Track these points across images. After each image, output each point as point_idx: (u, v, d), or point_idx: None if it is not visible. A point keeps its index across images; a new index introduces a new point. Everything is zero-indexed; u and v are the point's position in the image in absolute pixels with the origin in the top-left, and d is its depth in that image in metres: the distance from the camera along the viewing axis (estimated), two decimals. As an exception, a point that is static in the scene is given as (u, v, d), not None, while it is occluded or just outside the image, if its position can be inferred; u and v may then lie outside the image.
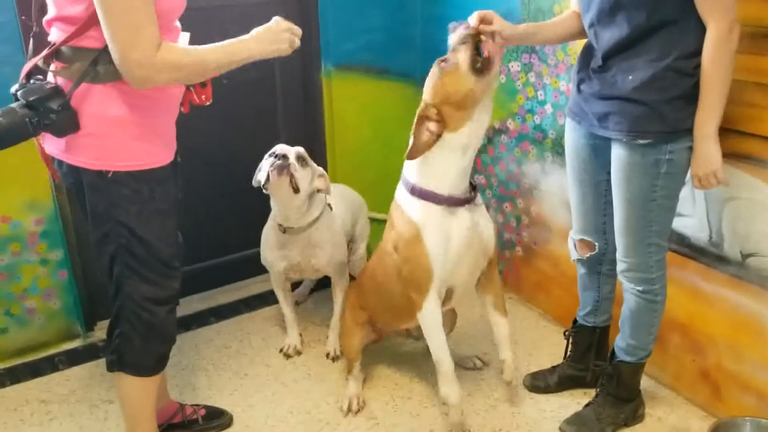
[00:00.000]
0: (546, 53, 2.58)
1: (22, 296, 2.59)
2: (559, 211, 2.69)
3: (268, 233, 2.58)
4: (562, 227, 2.32)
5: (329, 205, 2.59)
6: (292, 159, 2.34)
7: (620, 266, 2.06)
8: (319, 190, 2.48)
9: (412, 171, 2.07)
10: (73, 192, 1.82)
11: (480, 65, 1.91)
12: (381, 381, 2.55)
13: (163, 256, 1.81)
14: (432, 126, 1.96)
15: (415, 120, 1.98)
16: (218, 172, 2.91)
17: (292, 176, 2.31)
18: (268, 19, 1.73)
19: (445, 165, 2.01)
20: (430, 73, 2.01)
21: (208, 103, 1.90)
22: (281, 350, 2.70)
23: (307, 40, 3.00)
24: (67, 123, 1.63)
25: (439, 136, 1.97)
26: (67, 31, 1.59)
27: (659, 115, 1.80)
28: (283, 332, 2.79)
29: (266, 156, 2.39)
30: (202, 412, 2.29)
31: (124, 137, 1.67)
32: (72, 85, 1.61)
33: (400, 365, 2.62)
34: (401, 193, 2.12)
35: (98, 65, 1.58)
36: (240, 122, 2.96)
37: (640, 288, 2.04)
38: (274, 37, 1.71)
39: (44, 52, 1.64)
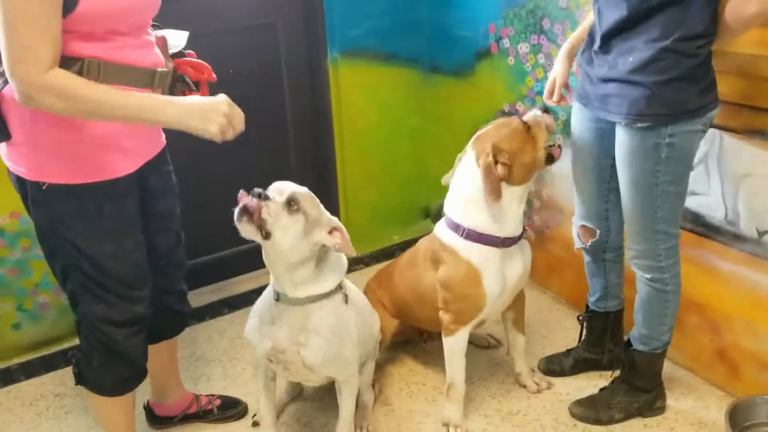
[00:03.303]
0: (555, 33, 2.55)
1: (34, 291, 2.58)
2: (570, 194, 2.64)
3: (263, 297, 1.98)
4: (574, 210, 2.31)
5: (346, 295, 1.93)
6: (275, 198, 1.72)
7: (629, 253, 2.04)
8: (324, 246, 1.79)
9: (463, 215, 2.07)
10: (23, 202, 1.67)
11: (547, 153, 2.08)
12: (395, 367, 2.54)
13: (120, 277, 1.67)
14: (501, 170, 1.99)
15: (485, 165, 1.99)
16: (225, 162, 2.90)
17: (261, 222, 1.69)
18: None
19: (504, 212, 2.04)
20: (500, 123, 2.08)
21: None
22: None
23: (312, 28, 3.00)
24: None
25: (503, 179, 2.00)
26: None
27: (658, 97, 1.76)
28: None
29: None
30: (218, 402, 2.30)
31: (57, 147, 1.53)
32: None
33: (414, 351, 2.60)
34: (450, 236, 2.10)
35: None
36: (246, 112, 2.92)
37: (648, 276, 2.01)
38: (203, 114, 1.50)
39: None
